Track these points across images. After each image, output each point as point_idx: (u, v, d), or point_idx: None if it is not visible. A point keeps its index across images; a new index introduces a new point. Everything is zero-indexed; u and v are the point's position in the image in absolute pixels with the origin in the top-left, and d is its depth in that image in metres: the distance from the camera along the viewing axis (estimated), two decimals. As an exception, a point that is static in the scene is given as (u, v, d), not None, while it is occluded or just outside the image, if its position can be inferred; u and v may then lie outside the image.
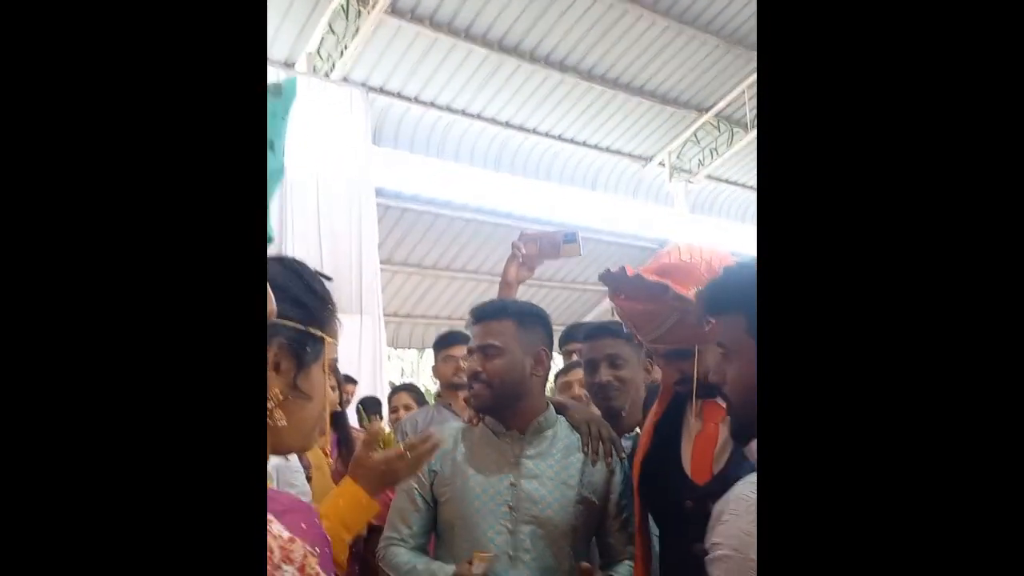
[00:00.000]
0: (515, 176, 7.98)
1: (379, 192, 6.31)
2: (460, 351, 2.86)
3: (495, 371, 1.49)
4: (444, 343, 2.83)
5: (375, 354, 5.49)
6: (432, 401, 3.14)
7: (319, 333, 0.86)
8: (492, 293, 6.85)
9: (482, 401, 1.51)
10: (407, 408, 3.17)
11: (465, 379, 2.76)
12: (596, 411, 1.70)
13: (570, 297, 9.19)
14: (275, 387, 0.82)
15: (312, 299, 0.87)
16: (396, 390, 3.39)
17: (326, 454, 2.76)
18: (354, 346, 5.33)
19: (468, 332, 1.61)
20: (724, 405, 1.14)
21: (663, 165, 8.91)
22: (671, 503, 1.33)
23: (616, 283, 1.37)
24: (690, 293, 1.23)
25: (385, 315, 7.35)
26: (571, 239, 1.66)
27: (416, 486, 1.50)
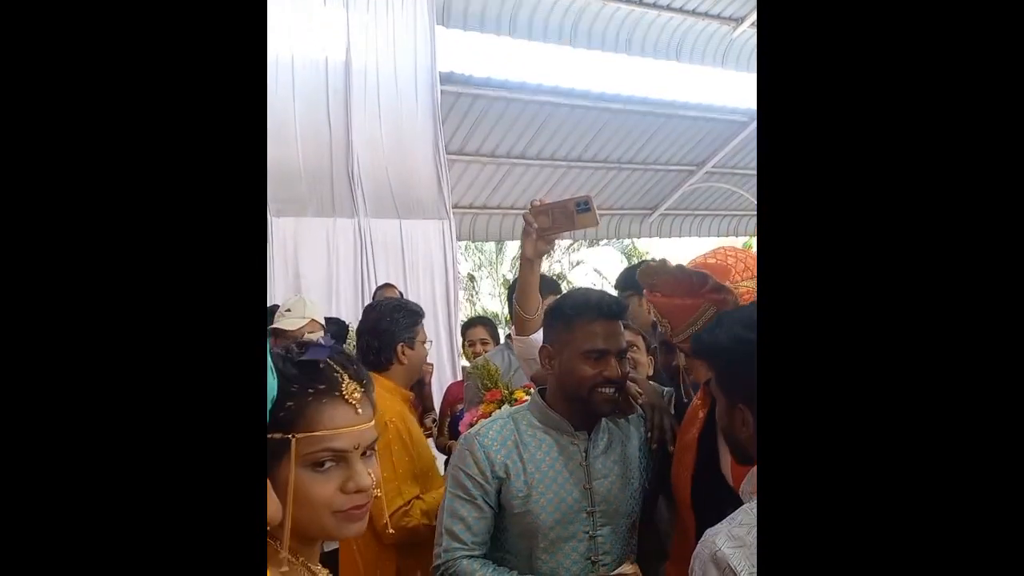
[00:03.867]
0: (592, 50, 7.39)
1: (448, 78, 5.96)
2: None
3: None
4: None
5: (448, 255, 5.36)
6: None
7: (280, 436, 0.76)
8: (569, 180, 6.48)
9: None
10: (483, 343, 3.03)
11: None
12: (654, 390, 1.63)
13: (652, 179, 8.74)
14: None
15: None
16: (471, 324, 3.25)
17: (426, 429, 2.61)
18: (424, 248, 5.22)
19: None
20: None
21: (755, 26, 8.08)
22: (722, 515, 1.31)
23: (653, 277, 1.33)
24: (726, 291, 1.25)
25: (459, 208, 7.18)
26: (584, 207, 1.55)
27: (479, 492, 1.39)
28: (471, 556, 1.39)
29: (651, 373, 2.07)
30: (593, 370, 1.37)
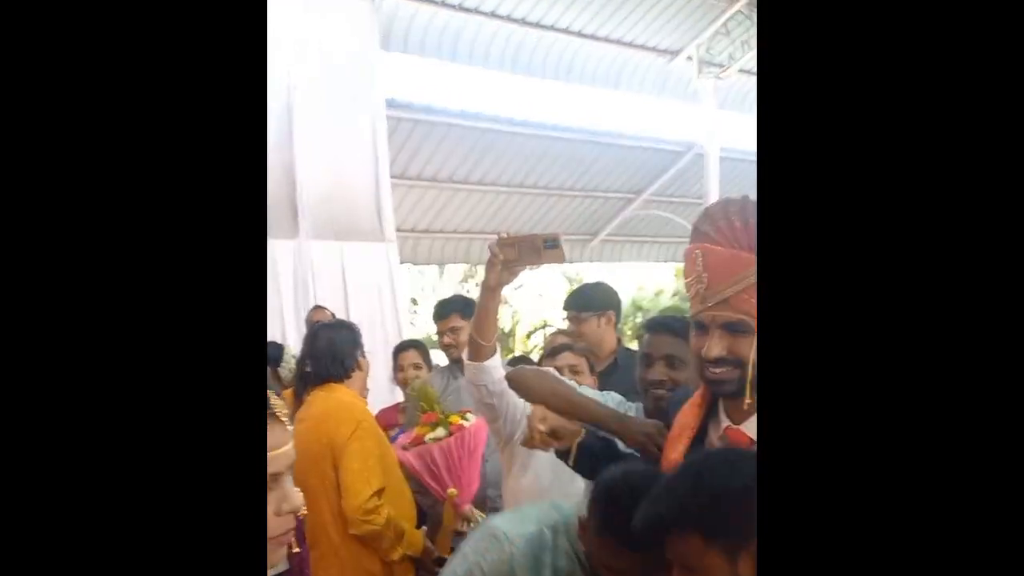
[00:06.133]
0: (532, 78, 7.51)
1: (390, 104, 5.95)
2: (448, 324, 2.74)
3: None
4: (445, 312, 2.72)
5: (390, 277, 5.31)
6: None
7: None
8: (511, 206, 6.53)
9: None
10: (416, 367, 2.99)
11: (454, 354, 2.68)
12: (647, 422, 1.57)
13: (592, 205, 8.89)
14: None
15: None
16: (403, 347, 3.19)
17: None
18: (366, 271, 5.16)
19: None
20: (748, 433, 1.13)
21: (691, 59, 8.35)
22: None
23: (713, 222, 1.15)
24: None
25: (402, 231, 7.13)
26: (552, 244, 1.57)
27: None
28: None
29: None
30: None
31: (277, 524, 0.76)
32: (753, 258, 1.07)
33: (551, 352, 2.19)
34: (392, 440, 2.50)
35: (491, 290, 1.64)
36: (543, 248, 1.56)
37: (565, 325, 2.74)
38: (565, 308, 2.67)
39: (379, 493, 2.06)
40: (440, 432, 2.27)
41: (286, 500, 0.77)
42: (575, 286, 10.85)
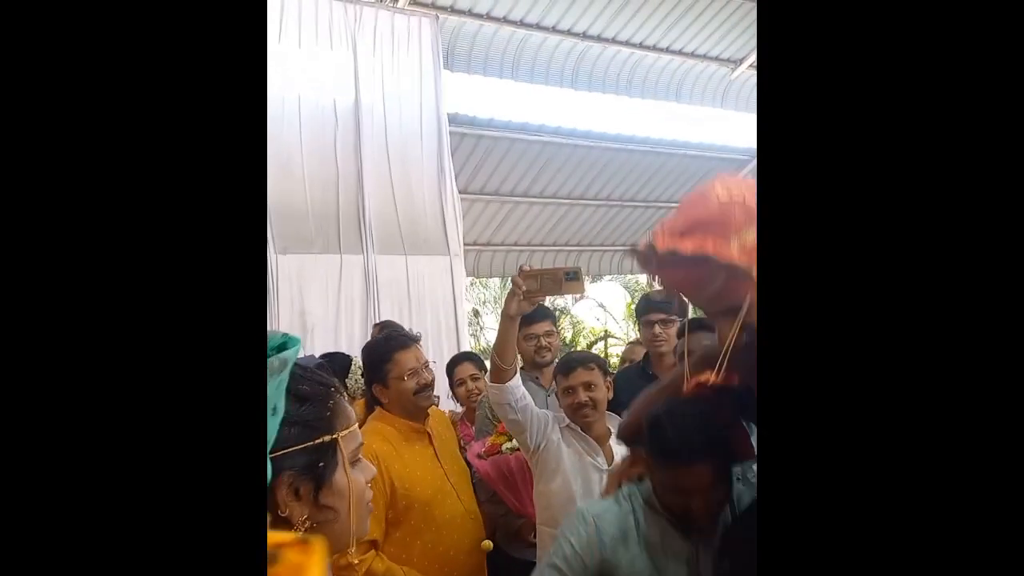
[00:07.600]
0: (593, 92, 7.52)
1: (453, 119, 6.07)
2: (543, 327, 2.72)
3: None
4: (538, 317, 2.70)
5: (454, 291, 5.39)
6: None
7: (329, 438, 0.80)
8: (573, 217, 6.53)
9: None
10: (473, 379, 3.01)
11: (547, 357, 2.70)
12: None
13: (654, 216, 8.82)
14: (299, 513, 0.78)
15: (308, 410, 0.80)
16: (459, 360, 3.18)
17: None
18: (430, 284, 5.24)
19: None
20: None
21: (754, 68, 8.23)
22: None
23: (647, 259, 1.24)
24: (733, 251, 1.12)
25: (466, 244, 7.24)
26: (573, 276, 1.73)
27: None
28: None
29: (610, 397, 2.19)
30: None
31: (368, 492, 0.85)
32: (705, 269, 1.15)
33: (562, 369, 2.19)
34: (462, 450, 2.54)
35: (511, 318, 1.80)
36: (564, 280, 1.71)
37: (630, 334, 2.75)
38: (654, 311, 2.65)
39: (367, 545, 1.86)
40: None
41: (367, 469, 0.86)
42: (637, 295, 10.68)
